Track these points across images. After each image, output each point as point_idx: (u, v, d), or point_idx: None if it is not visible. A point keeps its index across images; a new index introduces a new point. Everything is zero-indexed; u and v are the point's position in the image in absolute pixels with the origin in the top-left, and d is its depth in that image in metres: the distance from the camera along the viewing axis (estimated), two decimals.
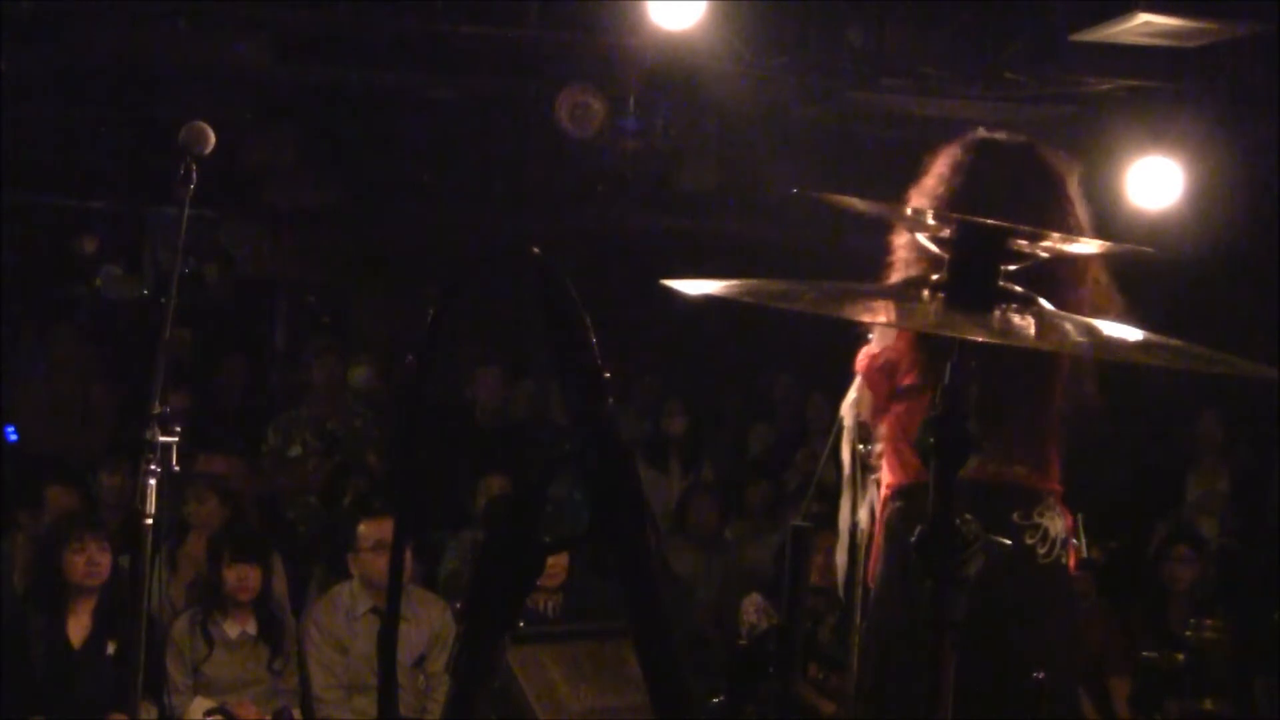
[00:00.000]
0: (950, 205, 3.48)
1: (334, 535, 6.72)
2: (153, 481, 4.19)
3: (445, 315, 2.06)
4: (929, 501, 2.22)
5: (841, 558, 3.98)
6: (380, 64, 8.29)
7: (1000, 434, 3.44)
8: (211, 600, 6.03)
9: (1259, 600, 6.98)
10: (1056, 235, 2.47)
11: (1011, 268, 2.23)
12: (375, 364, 8.75)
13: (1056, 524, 3.60)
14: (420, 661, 6.00)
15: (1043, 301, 2.20)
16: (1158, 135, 7.68)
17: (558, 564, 6.01)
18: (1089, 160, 3.88)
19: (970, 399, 2.20)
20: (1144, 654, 6.61)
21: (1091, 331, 2.28)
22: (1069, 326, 2.23)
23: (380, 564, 5.93)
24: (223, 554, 6.02)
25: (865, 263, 3.61)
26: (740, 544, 7.96)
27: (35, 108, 8.68)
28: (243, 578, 5.97)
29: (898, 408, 3.67)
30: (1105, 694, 6.82)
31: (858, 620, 3.87)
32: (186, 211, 4.36)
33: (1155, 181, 7.66)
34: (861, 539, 3.87)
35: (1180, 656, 6.42)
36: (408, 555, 4.06)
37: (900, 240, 3.57)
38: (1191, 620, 6.58)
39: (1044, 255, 2.28)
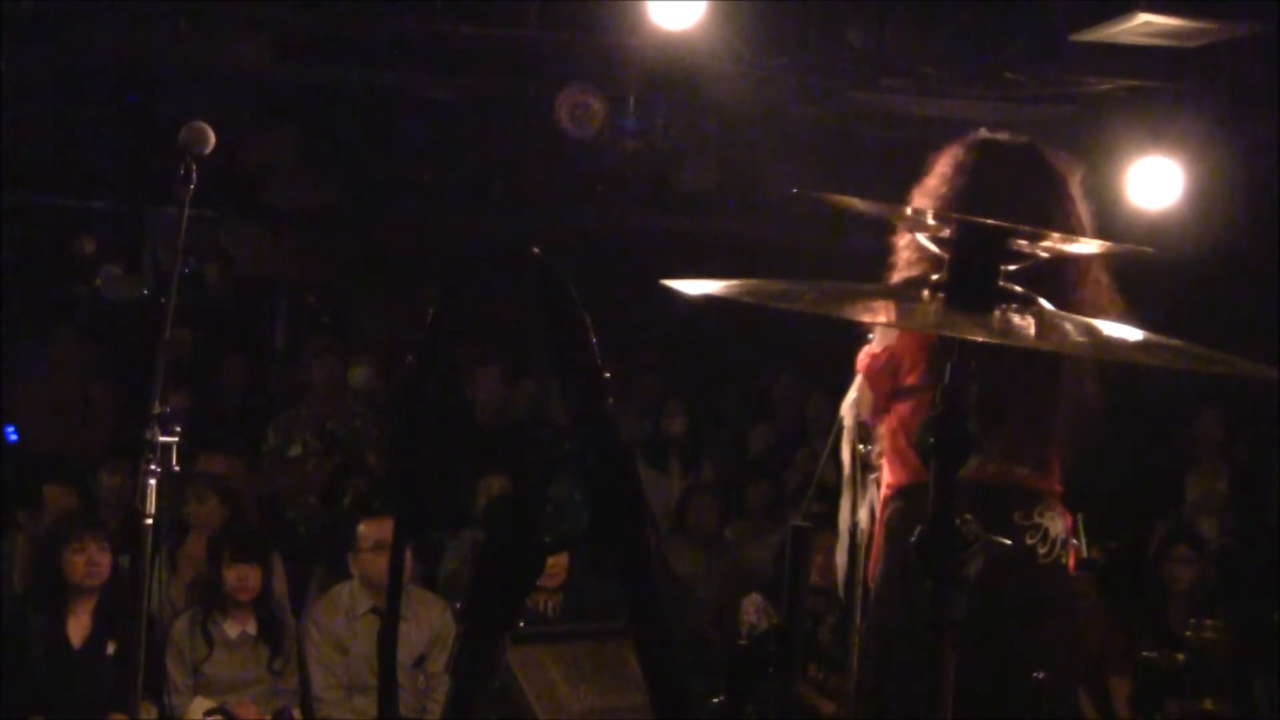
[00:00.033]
0: (952, 205, 3.49)
1: (334, 535, 6.72)
2: (153, 481, 4.19)
3: (445, 315, 2.06)
4: (929, 501, 2.22)
5: (841, 558, 3.98)
6: (380, 64, 8.29)
7: (1001, 434, 3.44)
8: (211, 600, 6.03)
9: (1259, 600, 6.98)
10: (1057, 235, 2.48)
11: (1012, 268, 2.23)
12: (375, 364, 8.74)
13: (1057, 524, 3.61)
14: (420, 661, 5.99)
15: (1043, 301, 2.20)
16: (1158, 135, 7.68)
17: (558, 564, 6.01)
18: (1089, 160, 3.88)
19: (970, 399, 2.20)
20: (1144, 654, 6.61)
21: (1091, 331, 2.28)
22: (1069, 326, 2.23)
23: (380, 564, 5.93)
24: (223, 554, 6.02)
25: (865, 263, 3.61)
26: (740, 544, 7.96)
27: (35, 108, 8.68)
28: (243, 578, 5.97)
29: (899, 407, 3.67)
30: (1105, 694, 6.82)
31: (858, 620, 3.87)
32: (186, 211, 4.36)
33: (1155, 181, 7.66)
34: (861, 539, 3.87)
35: (1180, 656, 6.43)
36: (408, 555, 4.07)
37: (902, 241, 3.58)
38: (1191, 620, 6.59)
39: (1044, 255, 2.28)
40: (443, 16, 7.38)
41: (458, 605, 5.94)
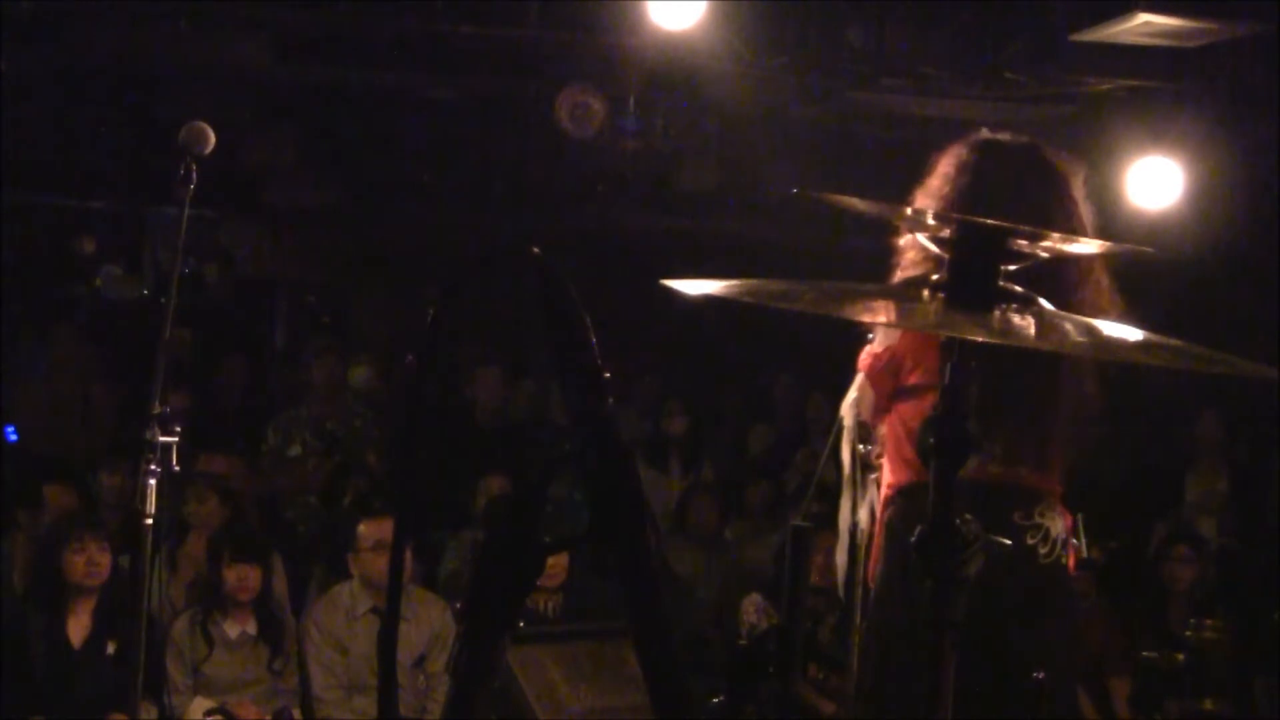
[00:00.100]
0: (954, 205, 3.49)
1: (334, 535, 6.72)
2: (153, 481, 4.19)
3: (445, 315, 2.06)
4: (929, 502, 2.22)
5: (841, 558, 3.98)
6: (380, 64, 8.29)
7: (1001, 434, 3.45)
8: (211, 600, 6.02)
9: (1259, 600, 6.98)
10: (1057, 235, 2.47)
11: (1013, 268, 2.23)
12: (375, 364, 8.74)
13: (1057, 524, 3.61)
14: (420, 661, 5.99)
15: (1043, 301, 2.20)
16: (1158, 135, 7.68)
17: (558, 564, 6.01)
18: (1089, 160, 3.88)
19: (970, 399, 2.20)
20: (1144, 654, 6.61)
21: (1091, 331, 2.28)
22: (1069, 326, 2.23)
23: (380, 564, 5.92)
24: (223, 554, 6.02)
25: (865, 263, 3.61)
26: (740, 544, 7.96)
27: (35, 108, 8.68)
28: (243, 578, 5.97)
29: (901, 407, 3.67)
30: (1105, 694, 6.82)
31: (858, 620, 3.87)
32: (186, 211, 4.36)
33: (1155, 181, 7.66)
34: (861, 539, 3.88)
35: (1180, 656, 6.43)
36: (408, 555, 4.06)
37: (905, 241, 3.58)
38: (1191, 620, 6.59)
39: (1045, 255, 2.28)
40: (443, 16, 7.38)
41: (458, 605, 5.94)
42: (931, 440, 2.20)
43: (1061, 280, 3.26)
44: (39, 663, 5.71)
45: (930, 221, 2.50)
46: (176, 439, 4.20)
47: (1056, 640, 3.60)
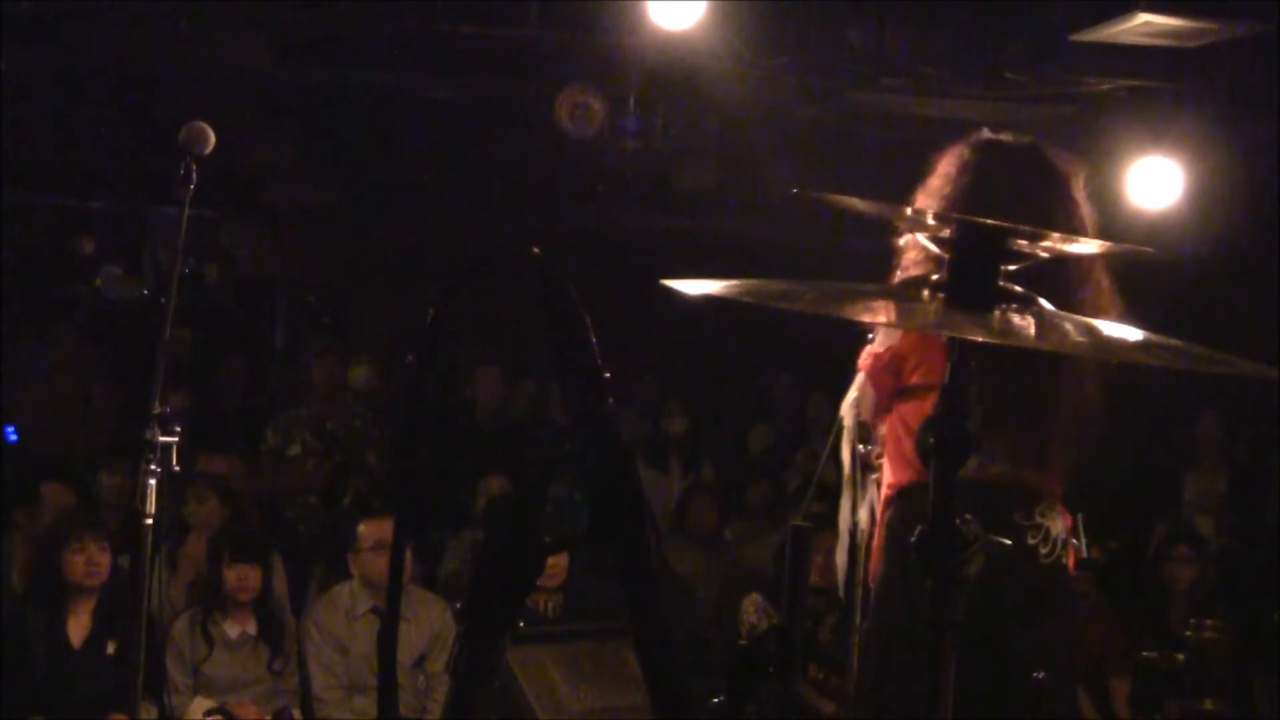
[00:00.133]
0: (956, 205, 3.49)
1: (334, 535, 6.72)
2: (153, 481, 4.19)
3: (445, 315, 2.06)
4: (929, 501, 2.22)
5: (841, 558, 3.98)
6: (380, 64, 8.29)
7: (1002, 434, 3.44)
8: (211, 600, 6.02)
9: (1259, 600, 6.98)
10: (1056, 235, 2.47)
11: (1013, 268, 2.23)
12: (375, 364, 8.74)
13: (1057, 524, 3.61)
14: (420, 661, 5.99)
15: (1043, 301, 2.20)
16: (1158, 135, 7.68)
17: (558, 564, 6.01)
18: (1089, 160, 3.89)
19: (970, 399, 2.20)
20: (1144, 654, 6.61)
21: (1091, 331, 2.28)
22: (1069, 326, 2.23)
23: (380, 564, 5.92)
24: (223, 554, 6.02)
25: (865, 263, 3.61)
26: (740, 544, 7.96)
27: (35, 108, 8.68)
28: (243, 578, 5.97)
29: (902, 406, 3.67)
30: (1105, 694, 6.82)
31: (858, 620, 3.87)
32: (186, 211, 4.36)
33: (1155, 181, 7.66)
34: (861, 539, 3.88)
35: (1180, 656, 6.43)
36: (408, 555, 4.07)
37: (905, 241, 3.58)
38: (1191, 620, 6.59)
39: (1045, 255, 2.28)
40: (443, 16, 7.38)
41: (458, 605, 5.94)
42: (931, 440, 2.20)
43: (1062, 280, 3.26)
44: (39, 663, 5.71)
45: (930, 221, 2.50)
46: (176, 439, 4.20)
47: (1056, 640, 3.60)
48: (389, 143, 9.78)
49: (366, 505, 6.39)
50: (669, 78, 7.98)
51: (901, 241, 3.60)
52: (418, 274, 8.94)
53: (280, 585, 6.46)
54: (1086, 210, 3.62)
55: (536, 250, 2.04)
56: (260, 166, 9.56)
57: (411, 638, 5.93)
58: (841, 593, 4.07)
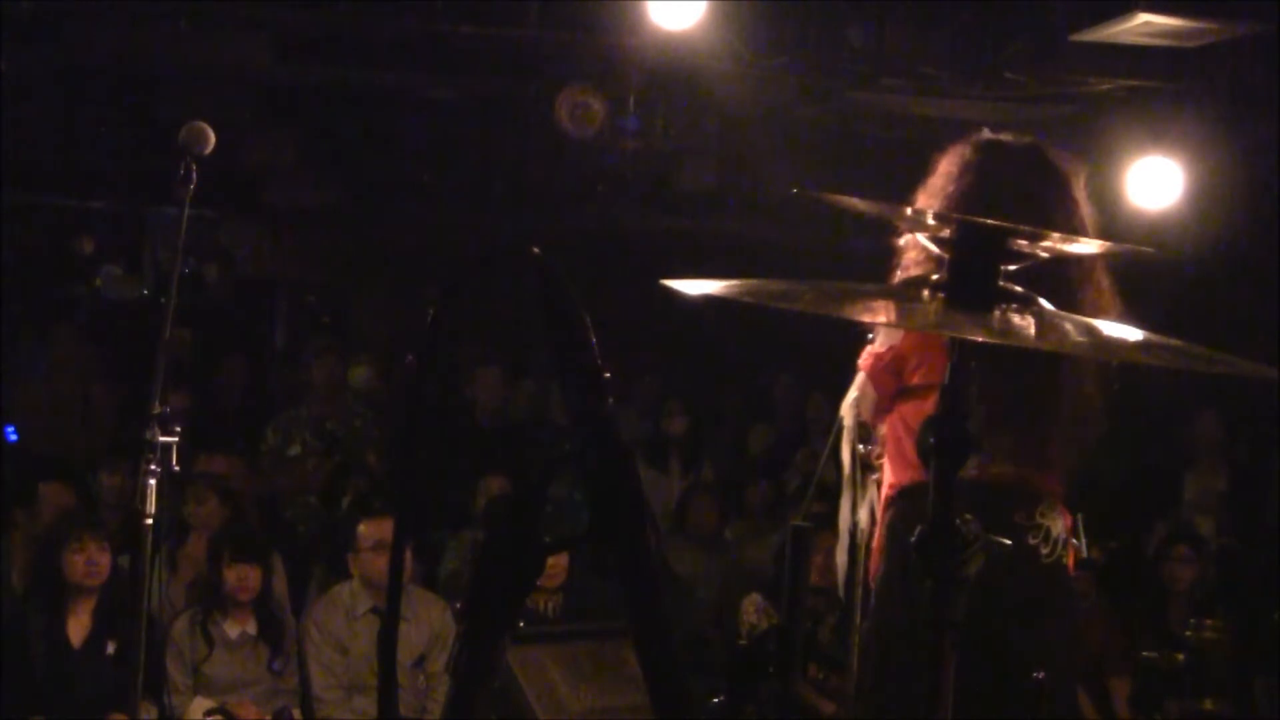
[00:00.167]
0: (957, 204, 3.49)
1: (334, 535, 6.72)
2: (153, 481, 4.19)
3: (445, 315, 2.06)
4: (929, 502, 2.22)
5: (841, 558, 3.98)
6: (380, 64, 8.29)
7: (1002, 434, 3.44)
8: (211, 600, 6.02)
9: (1259, 600, 6.98)
10: (1057, 235, 2.47)
11: (1013, 268, 2.23)
12: (375, 364, 8.74)
13: (1057, 524, 3.61)
14: (420, 661, 5.99)
15: (1043, 301, 2.20)
16: (1158, 135, 7.68)
17: (558, 564, 6.01)
18: (1089, 160, 3.89)
19: (971, 399, 2.20)
20: (1144, 654, 6.61)
21: (1091, 331, 2.28)
22: (1069, 326, 2.23)
23: (380, 564, 5.92)
24: (223, 554, 6.02)
25: (865, 263, 3.61)
26: (740, 544, 7.96)
27: (35, 108, 8.68)
28: (243, 578, 5.97)
29: (903, 406, 3.67)
30: (1105, 694, 6.82)
31: (858, 620, 3.87)
32: (186, 211, 4.36)
33: (1155, 181, 7.66)
34: (861, 539, 3.88)
35: (1180, 656, 6.43)
36: (408, 555, 4.07)
37: (906, 241, 3.58)
38: (1191, 620, 6.59)
39: (1045, 255, 2.28)
40: (443, 16, 7.38)
41: (458, 605, 5.94)
42: (932, 440, 2.20)
43: (1062, 280, 3.25)
44: (39, 663, 5.71)
45: (930, 221, 2.50)
46: (176, 439, 4.20)
47: (1056, 640, 3.60)
48: (389, 143, 9.78)
49: (366, 505, 6.38)
50: (669, 78, 7.98)
51: (902, 241, 3.60)
52: (418, 274, 8.95)
53: (280, 585, 6.46)
54: (1087, 210, 3.62)
55: (536, 250, 2.04)
56: (260, 166, 9.57)
57: (411, 638, 5.93)
58: (841, 593, 4.07)
